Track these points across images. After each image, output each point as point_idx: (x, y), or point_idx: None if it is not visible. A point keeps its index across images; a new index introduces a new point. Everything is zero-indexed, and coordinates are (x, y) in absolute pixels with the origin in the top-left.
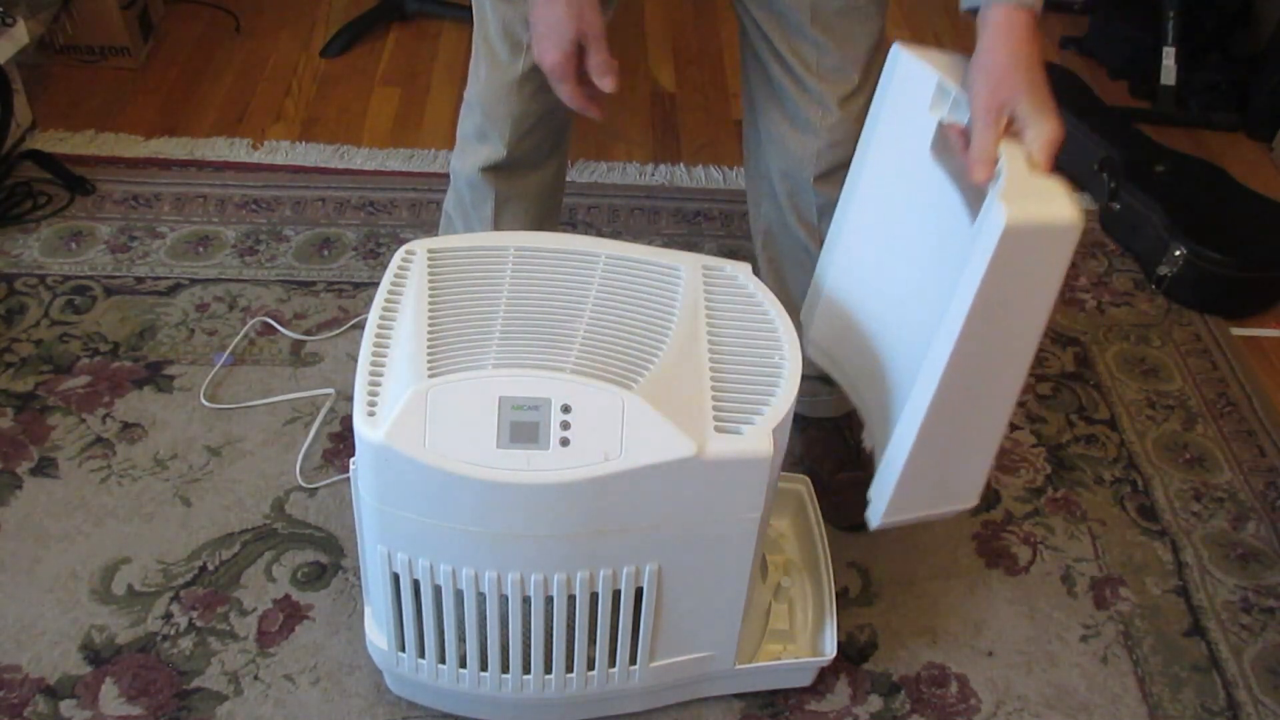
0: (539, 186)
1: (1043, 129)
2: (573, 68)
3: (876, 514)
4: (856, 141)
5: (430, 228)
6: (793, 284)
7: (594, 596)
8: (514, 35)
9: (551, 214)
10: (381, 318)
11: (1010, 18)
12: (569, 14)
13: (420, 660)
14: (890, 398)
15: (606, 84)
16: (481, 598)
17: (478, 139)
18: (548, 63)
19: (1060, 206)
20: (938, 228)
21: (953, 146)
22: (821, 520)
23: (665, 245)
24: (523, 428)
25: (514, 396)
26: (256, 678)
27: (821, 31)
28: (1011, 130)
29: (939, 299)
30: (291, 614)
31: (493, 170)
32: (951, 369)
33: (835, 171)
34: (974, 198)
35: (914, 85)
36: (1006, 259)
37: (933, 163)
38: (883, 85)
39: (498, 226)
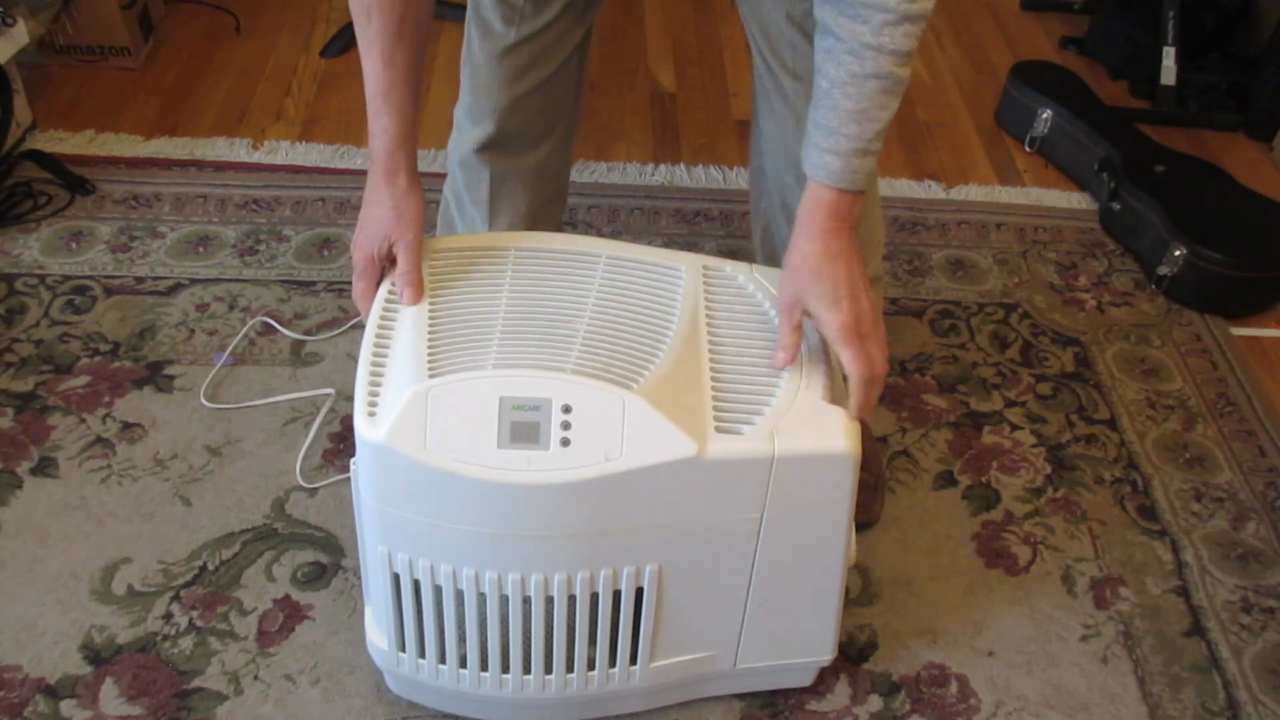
0: (536, 167)
1: (828, 322)
2: (375, 271)
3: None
4: None
5: (430, 228)
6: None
7: (594, 597)
8: (509, 4)
9: (553, 203)
10: (381, 318)
11: (818, 197)
12: (389, 218)
13: (420, 660)
14: None
15: (405, 296)
16: (482, 598)
17: (469, 119)
18: (355, 257)
19: (833, 438)
20: None
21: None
22: None
23: (665, 245)
24: (523, 428)
25: (514, 397)
26: (256, 678)
27: (797, 32)
28: (807, 317)
29: None
30: (291, 614)
31: (487, 149)
32: (761, 565)
33: None
34: None
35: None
36: (784, 481)
37: None
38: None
39: (494, 210)
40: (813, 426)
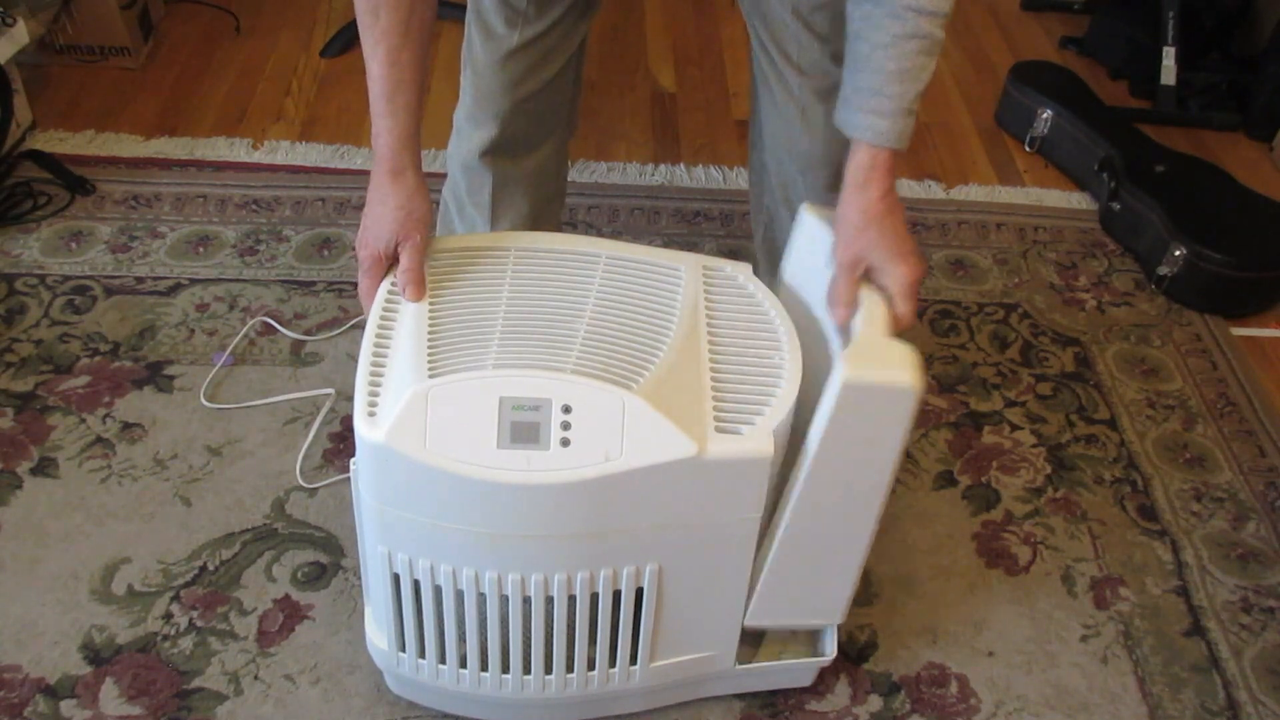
0: (536, 169)
1: (897, 274)
2: (381, 269)
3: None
4: (842, 138)
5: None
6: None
7: (594, 597)
8: (512, 6)
9: (552, 202)
10: (381, 318)
11: (873, 158)
12: (398, 216)
13: (420, 660)
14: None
15: (407, 294)
16: (482, 598)
17: (471, 124)
18: (361, 255)
19: (899, 371)
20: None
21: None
22: None
23: (665, 245)
24: (523, 428)
25: (514, 397)
26: (256, 678)
27: (803, 27)
28: (871, 276)
29: None
30: (291, 614)
31: (490, 154)
32: (801, 503)
33: (821, 167)
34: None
35: (817, 243)
36: (845, 411)
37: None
38: (792, 241)
39: (495, 212)
40: (880, 359)
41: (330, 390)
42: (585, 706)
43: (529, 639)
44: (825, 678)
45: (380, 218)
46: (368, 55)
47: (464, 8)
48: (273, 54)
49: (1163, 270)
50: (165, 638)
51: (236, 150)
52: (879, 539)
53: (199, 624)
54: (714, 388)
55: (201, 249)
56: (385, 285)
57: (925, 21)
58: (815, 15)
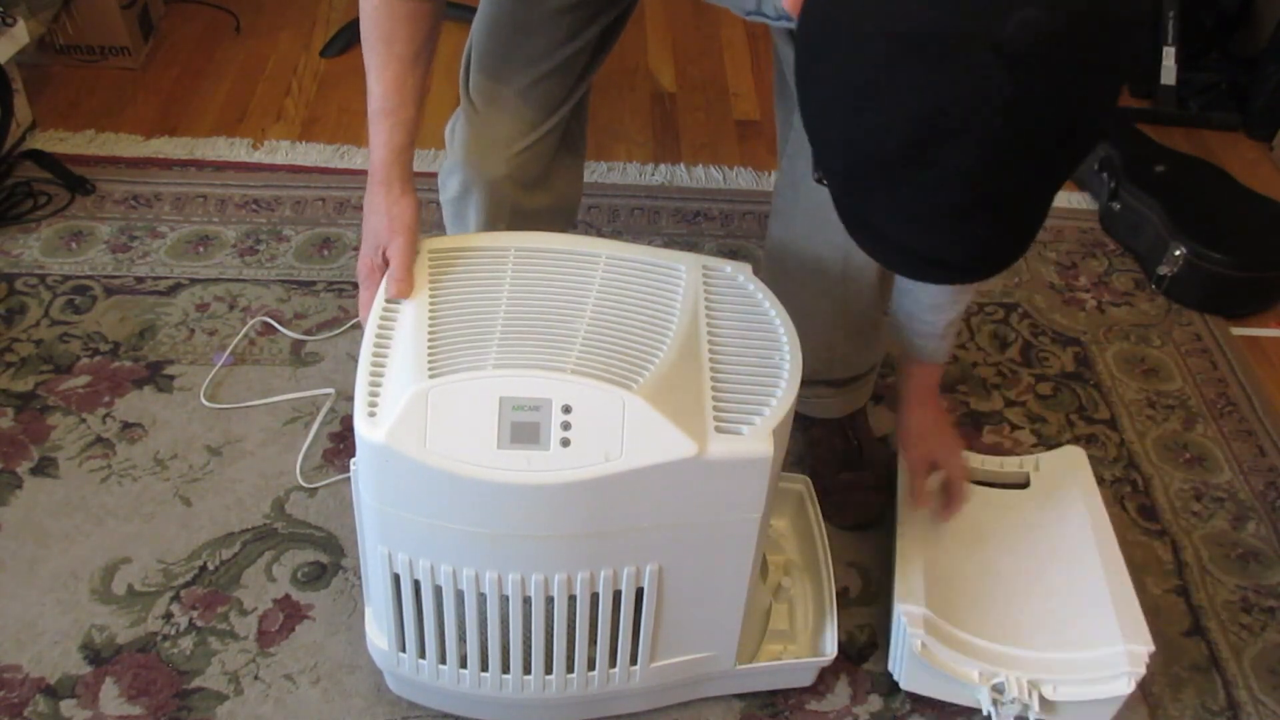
0: (550, 205)
1: (959, 465)
2: (377, 280)
3: None
4: None
5: (431, 226)
6: (804, 296)
7: (594, 597)
8: (547, 29)
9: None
10: (382, 317)
11: (925, 372)
12: (384, 224)
13: (421, 661)
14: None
15: (390, 290)
16: (482, 598)
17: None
18: (358, 268)
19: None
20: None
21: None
22: (821, 520)
23: (665, 245)
24: (523, 428)
25: (515, 397)
26: (256, 678)
27: None
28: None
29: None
30: (291, 614)
31: (505, 187)
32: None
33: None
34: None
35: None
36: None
37: None
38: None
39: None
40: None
41: (330, 390)
42: (585, 706)
43: (529, 639)
44: (825, 678)
45: (373, 228)
46: (373, 73)
47: (465, 8)
48: (273, 54)
49: (1163, 270)
50: (165, 638)
51: (236, 150)
52: (879, 539)
53: (199, 624)
54: (714, 388)
55: (201, 249)
56: (384, 287)
57: (961, 298)
58: None
